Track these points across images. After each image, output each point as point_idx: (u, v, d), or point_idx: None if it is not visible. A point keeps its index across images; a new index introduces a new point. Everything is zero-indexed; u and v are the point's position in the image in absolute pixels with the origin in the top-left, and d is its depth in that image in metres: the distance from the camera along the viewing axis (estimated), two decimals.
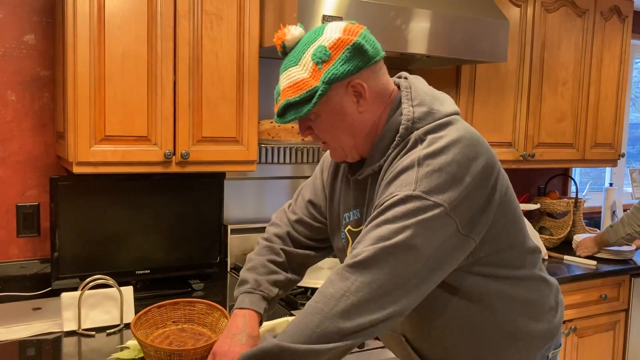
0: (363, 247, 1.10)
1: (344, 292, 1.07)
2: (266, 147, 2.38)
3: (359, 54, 1.17)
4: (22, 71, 2.10)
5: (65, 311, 1.74)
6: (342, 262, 1.41)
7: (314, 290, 2.10)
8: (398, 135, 1.19)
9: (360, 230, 1.31)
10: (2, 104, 2.08)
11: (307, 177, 2.68)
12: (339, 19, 1.95)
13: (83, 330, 1.74)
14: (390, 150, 1.20)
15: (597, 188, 3.89)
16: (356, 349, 1.80)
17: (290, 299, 2.02)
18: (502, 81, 2.76)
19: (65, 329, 1.74)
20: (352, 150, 1.27)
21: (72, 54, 1.81)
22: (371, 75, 1.21)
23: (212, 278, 2.29)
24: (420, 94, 1.23)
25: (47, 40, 2.13)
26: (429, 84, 1.31)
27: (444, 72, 2.71)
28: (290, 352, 1.06)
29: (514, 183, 1.26)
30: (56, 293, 1.92)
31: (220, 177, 2.26)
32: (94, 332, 1.75)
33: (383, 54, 1.22)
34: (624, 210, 3.51)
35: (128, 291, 1.83)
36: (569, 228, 3.16)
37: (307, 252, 1.50)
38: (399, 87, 1.27)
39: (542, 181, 3.48)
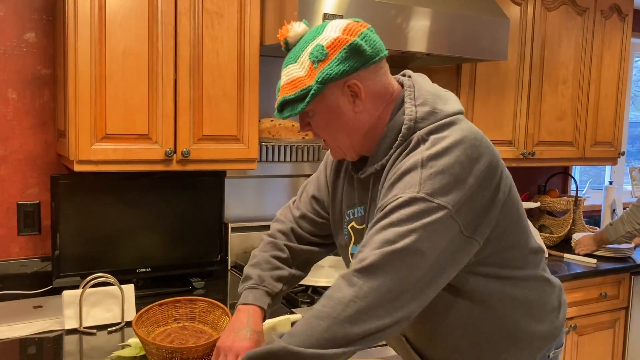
0: (369, 252, 1.09)
1: (351, 298, 1.06)
2: (267, 146, 2.38)
3: (355, 54, 1.16)
4: (22, 69, 2.10)
5: (67, 309, 1.75)
6: (344, 259, 1.42)
7: (314, 288, 2.11)
8: (400, 135, 1.19)
9: (363, 228, 1.31)
10: (3, 102, 2.08)
11: (307, 176, 2.70)
12: (340, 17, 1.95)
13: (84, 328, 1.75)
14: (392, 150, 1.20)
15: (596, 186, 3.89)
16: None
17: (290, 297, 2.02)
18: (502, 79, 2.76)
19: (67, 327, 1.74)
20: (349, 149, 1.27)
21: (73, 53, 1.81)
22: (369, 75, 1.20)
23: (212, 276, 2.30)
24: (423, 93, 1.22)
25: (47, 39, 2.13)
26: None
27: (445, 70, 2.71)
28: (297, 355, 1.06)
29: (514, 181, 1.26)
30: (57, 291, 1.92)
31: (220, 175, 2.26)
32: (95, 330, 1.75)
33: (384, 53, 1.21)
34: (624, 209, 3.52)
35: (129, 289, 1.83)
36: (569, 226, 3.16)
37: (311, 248, 1.50)
38: (402, 85, 1.26)
39: (542, 179, 3.48)
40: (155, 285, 2.14)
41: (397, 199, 1.10)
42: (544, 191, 3.45)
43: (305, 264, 1.51)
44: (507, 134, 2.81)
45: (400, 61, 2.60)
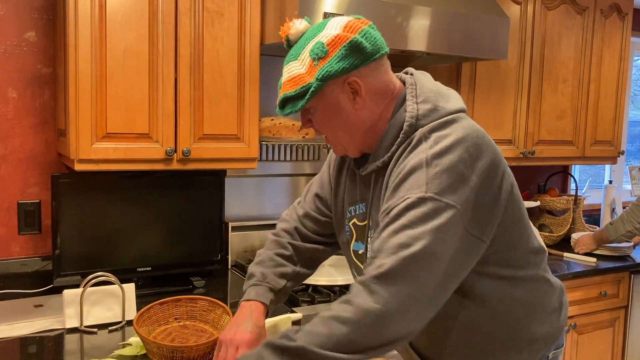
0: (385, 258, 1.08)
1: (371, 305, 1.05)
2: (267, 145, 2.38)
3: (355, 52, 1.16)
4: (23, 68, 2.10)
5: (68, 308, 1.75)
6: (347, 256, 1.42)
7: (315, 287, 2.11)
8: (402, 132, 1.19)
9: (365, 225, 1.31)
10: (3, 101, 2.08)
11: (307, 175, 2.71)
12: (340, 15, 1.95)
13: (85, 327, 1.75)
14: (394, 147, 1.20)
15: (596, 185, 3.89)
16: None
17: (291, 295, 2.02)
18: (502, 78, 2.77)
19: (67, 326, 1.74)
20: (350, 146, 1.27)
21: (73, 52, 1.81)
22: (370, 72, 1.20)
23: (213, 275, 2.30)
24: (425, 90, 1.22)
25: (48, 38, 2.13)
26: None
27: (445, 69, 2.71)
28: (316, 356, 1.05)
29: None
30: (57, 290, 1.93)
31: (221, 174, 2.26)
32: (96, 329, 1.75)
33: (385, 51, 1.21)
34: (624, 208, 3.52)
35: (130, 288, 1.84)
36: (568, 225, 3.17)
37: (315, 246, 1.50)
38: (404, 83, 1.26)
39: (541, 179, 3.48)
40: (156, 284, 2.14)
41: (405, 199, 1.10)
42: (543, 190, 3.45)
43: (310, 261, 1.51)
44: (507, 133, 2.81)
45: (400, 60, 2.60)
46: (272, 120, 2.28)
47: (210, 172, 2.22)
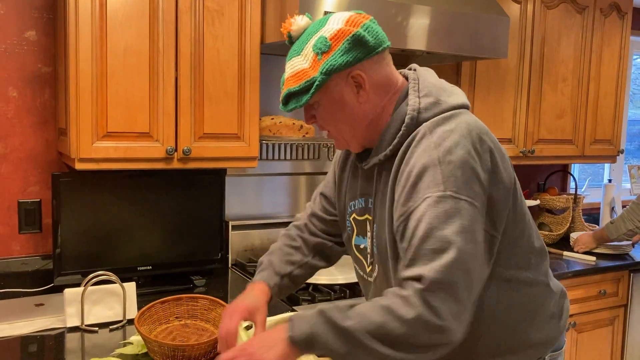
0: (422, 267, 1.07)
1: (430, 319, 1.05)
2: (267, 144, 2.39)
3: (358, 45, 1.17)
4: (23, 67, 2.10)
5: (68, 307, 1.75)
6: (350, 252, 1.43)
7: (315, 286, 2.11)
8: (404, 125, 1.19)
9: (365, 219, 1.32)
10: (4, 100, 2.08)
11: (307, 174, 2.71)
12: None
13: (86, 326, 1.75)
14: (396, 140, 1.20)
15: (595, 184, 3.90)
16: None
17: (291, 294, 2.02)
18: (502, 77, 2.77)
19: (68, 325, 1.75)
20: (353, 140, 1.28)
21: (74, 51, 1.81)
22: (372, 66, 1.21)
23: (213, 274, 2.30)
24: (427, 85, 1.23)
25: (48, 37, 2.13)
26: None
27: (445, 68, 2.72)
28: (364, 343, 1.07)
29: None
30: (58, 289, 1.93)
31: (221, 173, 2.26)
32: (97, 328, 1.75)
33: (387, 44, 1.21)
34: (623, 206, 3.53)
35: (131, 287, 1.84)
36: (568, 224, 3.17)
37: (324, 241, 1.53)
38: (407, 79, 1.27)
39: (541, 177, 3.49)
40: (156, 283, 2.15)
41: (425, 199, 1.10)
42: (543, 189, 3.45)
43: (321, 254, 1.53)
44: (507, 131, 2.81)
45: (400, 59, 2.60)
46: (273, 119, 2.29)
47: (210, 171, 2.23)
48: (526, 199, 3.23)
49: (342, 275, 2.18)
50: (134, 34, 1.88)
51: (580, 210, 3.29)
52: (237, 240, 2.47)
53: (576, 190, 3.28)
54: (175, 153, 1.99)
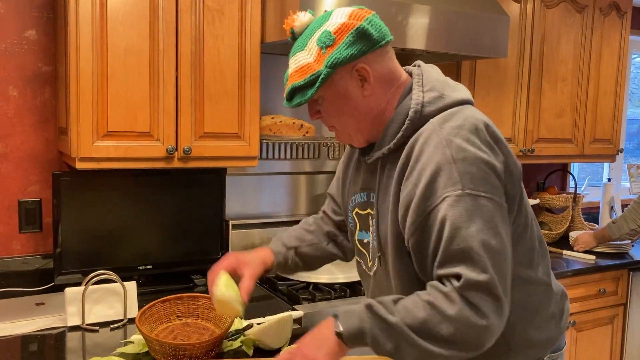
0: (455, 267, 1.09)
1: (476, 321, 1.08)
2: (267, 143, 2.39)
3: (363, 38, 1.17)
4: (23, 67, 2.10)
5: (69, 306, 1.75)
6: (355, 249, 1.43)
7: (315, 285, 2.12)
8: (408, 119, 1.19)
9: (367, 214, 1.32)
10: (4, 99, 2.08)
11: (307, 173, 2.71)
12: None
13: (87, 325, 1.75)
14: (400, 134, 1.20)
15: (595, 183, 3.90)
16: None
17: (292, 293, 2.03)
18: (501, 77, 2.77)
19: (69, 324, 1.75)
20: (357, 134, 1.28)
21: (74, 50, 1.81)
22: (376, 59, 1.21)
23: None
24: (431, 80, 1.23)
25: (48, 36, 2.13)
26: None
27: (444, 67, 2.71)
28: (410, 339, 1.09)
29: None
30: (59, 288, 1.93)
31: (221, 172, 2.27)
32: (97, 327, 1.75)
33: (390, 38, 1.22)
34: (622, 205, 3.53)
35: (131, 286, 1.84)
36: (567, 223, 3.18)
37: (336, 232, 1.58)
38: (411, 75, 1.27)
39: (540, 177, 3.49)
40: (157, 282, 2.15)
41: (444, 198, 1.11)
42: (542, 188, 3.46)
43: (335, 242, 1.58)
44: (506, 131, 2.82)
45: (400, 58, 2.58)
46: (273, 118, 2.29)
47: (210, 170, 2.23)
48: None
49: (342, 274, 2.18)
50: (135, 34, 1.88)
51: (580, 209, 3.30)
52: (237, 240, 2.47)
53: (576, 189, 3.28)
54: (176, 152, 1.99)
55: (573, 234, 3.05)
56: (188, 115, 1.99)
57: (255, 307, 1.95)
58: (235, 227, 2.46)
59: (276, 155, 2.51)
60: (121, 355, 1.54)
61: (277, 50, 2.33)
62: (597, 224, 3.53)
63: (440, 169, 1.11)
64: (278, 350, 1.55)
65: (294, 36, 1.26)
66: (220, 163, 2.09)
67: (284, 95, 1.25)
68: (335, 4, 1.97)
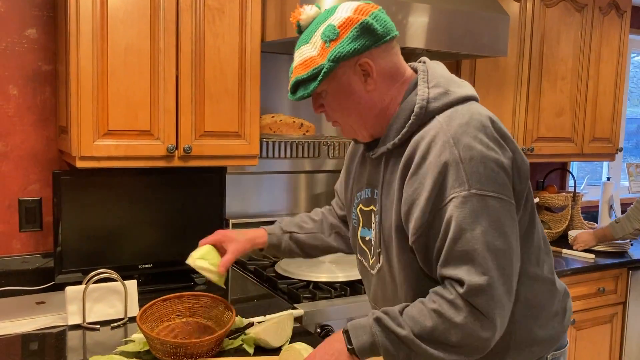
0: (458, 269, 1.10)
1: (480, 332, 1.10)
2: (267, 142, 2.39)
3: (367, 33, 1.17)
4: (23, 65, 2.10)
5: (70, 305, 1.75)
6: (354, 246, 1.44)
7: (315, 284, 2.12)
8: (413, 114, 1.19)
9: (370, 210, 1.32)
10: (4, 98, 2.08)
11: (307, 172, 2.71)
12: None
13: (87, 323, 1.75)
14: (405, 130, 1.20)
15: (594, 182, 3.91)
16: None
17: (292, 292, 2.03)
18: (501, 76, 2.77)
19: (70, 323, 1.75)
20: (361, 129, 1.28)
21: (75, 49, 1.81)
22: (380, 54, 1.21)
23: None
24: (436, 76, 1.23)
25: (48, 35, 2.13)
26: None
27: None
28: (420, 350, 1.12)
29: None
30: (59, 287, 1.93)
31: (221, 171, 2.27)
32: (98, 326, 1.75)
33: (395, 34, 1.21)
34: (622, 204, 3.54)
35: (132, 285, 1.84)
36: (567, 222, 3.18)
37: (341, 225, 1.61)
38: (416, 71, 1.27)
39: (540, 175, 3.50)
40: (157, 281, 2.15)
41: (451, 199, 1.11)
42: (542, 187, 3.46)
43: (338, 235, 1.61)
44: None
45: None
46: (273, 117, 2.29)
47: (211, 169, 2.23)
48: None
49: (342, 273, 2.19)
50: (135, 32, 1.88)
51: (579, 208, 3.30)
52: None
53: (575, 188, 3.29)
54: (176, 151, 1.99)
55: (572, 233, 3.06)
56: (188, 114, 1.99)
57: (255, 305, 1.96)
58: (235, 226, 2.46)
59: (276, 154, 2.51)
60: (122, 353, 1.54)
61: (277, 49, 2.33)
62: (597, 222, 3.54)
63: (448, 168, 1.11)
64: (279, 349, 1.55)
65: (300, 29, 1.26)
66: (220, 162, 2.09)
67: (288, 87, 1.25)
68: (335, 3, 1.97)
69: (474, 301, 1.09)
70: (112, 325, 1.77)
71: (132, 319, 1.77)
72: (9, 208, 2.12)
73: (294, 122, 2.31)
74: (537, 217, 1.29)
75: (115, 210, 2.07)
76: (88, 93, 1.83)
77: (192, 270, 2.20)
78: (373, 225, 1.32)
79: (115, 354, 1.55)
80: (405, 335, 1.12)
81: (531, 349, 1.28)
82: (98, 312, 1.78)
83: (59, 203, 1.97)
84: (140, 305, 1.67)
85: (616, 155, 3.27)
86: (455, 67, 2.69)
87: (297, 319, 1.83)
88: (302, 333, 1.74)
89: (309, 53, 1.20)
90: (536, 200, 3.15)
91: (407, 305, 1.17)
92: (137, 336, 1.61)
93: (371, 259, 1.35)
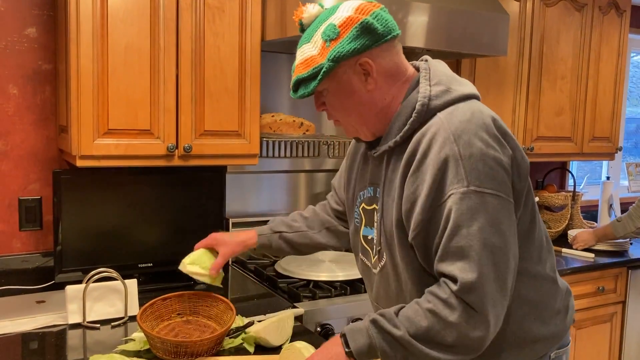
0: (453, 265, 1.11)
1: (473, 332, 1.10)
2: (267, 141, 2.39)
3: (367, 33, 1.17)
4: (23, 65, 2.10)
5: (70, 304, 1.75)
6: (355, 245, 1.44)
7: (316, 282, 2.12)
8: (415, 111, 1.19)
9: (373, 209, 1.32)
10: (4, 97, 2.08)
11: (306, 171, 2.71)
12: None
13: (88, 322, 1.75)
14: (407, 127, 1.20)
15: (593, 182, 3.91)
16: None
17: (292, 291, 2.03)
18: (501, 75, 2.78)
19: (70, 322, 1.75)
20: (362, 128, 1.28)
21: (75, 48, 1.81)
22: (381, 54, 1.21)
23: None
24: (438, 74, 1.23)
25: (48, 34, 2.13)
26: None
27: None
28: (417, 350, 1.12)
29: None
30: (59, 286, 1.93)
31: (221, 170, 2.27)
32: (98, 325, 1.75)
33: (397, 33, 1.21)
34: (621, 204, 3.54)
35: (132, 284, 1.84)
36: (566, 221, 3.18)
37: (332, 220, 1.64)
38: (418, 70, 1.27)
39: (539, 175, 3.50)
40: (157, 280, 2.15)
41: (450, 195, 1.11)
42: (541, 186, 3.47)
43: (329, 230, 1.64)
44: None
45: None
46: (273, 116, 2.29)
47: (211, 169, 2.23)
48: None
49: (342, 272, 2.19)
50: (135, 31, 1.88)
51: (579, 208, 3.30)
52: None
53: (574, 188, 3.29)
54: (176, 150, 1.99)
55: (572, 232, 3.06)
56: (188, 113, 1.99)
57: (256, 304, 1.96)
58: (235, 225, 2.46)
59: (276, 154, 2.51)
60: (122, 352, 1.54)
61: (277, 48, 2.34)
62: (596, 222, 3.54)
63: (447, 165, 1.12)
64: (279, 348, 1.56)
65: (303, 27, 1.26)
66: (220, 161, 2.09)
67: (290, 85, 1.26)
68: (336, 2, 1.97)
69: (467, 298, 1.09)
70: (113, 324, 1.77)
71: (133, 318, 1.77)
72: (9, 207, 2.12)
73: (294, 121, 2.31)
74: (539, 215, 1.29)
75: (115, 209, 2.07)
76: (88, 92, 1.83)
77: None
78: (375, 224, 1.32)
79: (116, 352, 1.55)
80: (400, 336, 1.12)
81: (533, 347, 1.28)
82: (98, 311, 1.78)
83: (59, 202, 1.97)
84: (141, 304, 1.67)
85: (616, 154, 3.28)
86: (455, 67, 2.69)
87: (298, 318, 1.84)
88: (303, 332, 1.74)
89: (309, 52, 1.21)
90: (536, 199, 3.15)
91: (403, 307, 1.17)
92: (138, 335, 1.61)
93: (373, 257, 1.35)
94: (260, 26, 2.09)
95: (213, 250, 1.62)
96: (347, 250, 2.52)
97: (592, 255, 2.84)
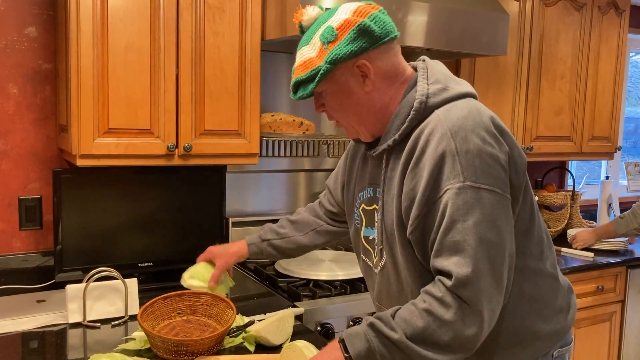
0: (448, 261, 1.11)
1: (467, 330, 1.10)
2: (267, 140, 2.39)
3: (364, 35, 1.18)
4: (23, 64, 2.10)
5: (70, 303, 1.75)
6: (356, 246, 1.44)
7: (316, 282, 2.12)
8: (413, 109, 1.20)
9: (373, 209, 1.33)
10: (4, 97, 2.08)
11: (306, 171, 2.71)
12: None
13: (88, 322, 1.75)
14: (405, 125, 1.21)
15: (593, 181, 3.92)
16: None
17: (292, 290, 2.03)
18: (501, 75, 2.78)
19: (71, 321, 1.75)
20: (362, 129, 1.29)
21: (75, 48, 1.81)
22: (379, 56, 1.21)
23: None
24: (436, 73, 1.24)
25: (48, 33, 2.13)
26: None
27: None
28: (414, 353, 1.12)
29: None
30: (59, 286, 1.93)
31: (221, 170, 2.27)
32: (99, 324, 1.75)
33: (395, 34, 1.22)
34: (620, 203, 3.55)
35: (132, 283, 1.84)
36: (566, 221, 3.19)
37: (320, 222, 1.69)
38: (416, 70, 1.28)
39: (539, 174, 3.50)
40: (157, 279, 2.15)
41: (446, 190, 1.12)
42: (541, 186, 3.47)
43: (319, 232, 1.69)
44: None
45: None
46: (273, 116, 2.29)
47: (211, 168, 2.23)
48: None
49: (342, 272, 2.19)
50: (135, 31, 1.88)
51: (578, 207, 3.31)
52: (236, 237, 2.47)
53: (574, 187, 3.29)
54: (176, 150, 1.99)
55: (571, 232, 3.06)
56: (188, 112, 1.99)
57: (256, 304, 1.96)
58: (235, 224, 2.46)
59: (276, 153, 2.51)
60: (123, 351, 1.54)
61: (277, 48, 2.34)
62: (595, 221, 3.54)
63: (444, 160, 1.12)
64: (279, 347, 1.56)
65: (302, 30, 1.27)
66: (220, 160, 2.10)
67: (290, 87, 1.27)
68: (336, 1, 1.97)
69: (461, 293, 1.09)
70: (113, 323, 1.77)
71: (133, 317, 1.77)
72: (9, 206, 2.12)
73: (293, 120, 2.31)
74: (538, 212, 1.29)
75: (116, 208, 2.07)
76: (88, 91, 1.83)
77: None
78: (376, 224, 1.32)
79: (116, 352, 1.55)
80: (397, 339, 1.12)
81: (535, 344, 1.28)
82: (98, 310, 1.79)
83: (59, 201, 1.97)
84: (141, 304, 1.67)
85: (615, 154, 3.28)
86: (454, 66, 2.69)
87: (298, 317, 1.84)
88: (303, 331, 1.75)
89: (308, 54, 1.22)
90: (535, 199, 3.15)
91: (399, 308, 1.17)
92: (138, 334, 1.61)
93: (374, 257, 1.35)
94: (260, 26, 2.09)
95: (211, 263, 1.73)
96: (347, 250, 2.53)
97: (592, 254, 2.85)
